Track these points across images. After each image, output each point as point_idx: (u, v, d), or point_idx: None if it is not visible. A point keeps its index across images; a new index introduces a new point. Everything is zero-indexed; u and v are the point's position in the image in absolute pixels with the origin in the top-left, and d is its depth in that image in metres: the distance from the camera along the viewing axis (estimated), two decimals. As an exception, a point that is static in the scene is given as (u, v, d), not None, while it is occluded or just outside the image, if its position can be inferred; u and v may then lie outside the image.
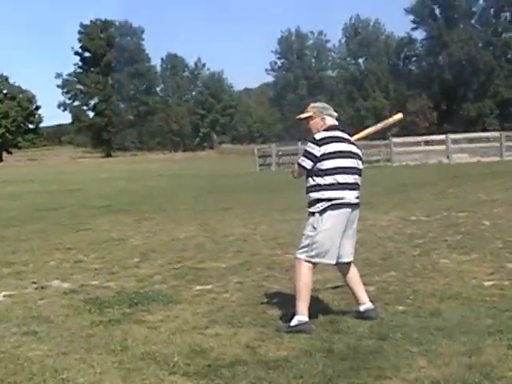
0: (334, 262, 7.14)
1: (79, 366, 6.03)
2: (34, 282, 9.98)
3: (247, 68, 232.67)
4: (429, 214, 15.85)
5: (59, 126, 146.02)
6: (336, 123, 7.38)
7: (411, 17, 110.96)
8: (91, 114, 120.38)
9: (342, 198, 6.99)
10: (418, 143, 50.44)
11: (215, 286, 9.21)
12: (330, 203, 6.95)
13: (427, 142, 50.24)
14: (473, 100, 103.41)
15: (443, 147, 44.01)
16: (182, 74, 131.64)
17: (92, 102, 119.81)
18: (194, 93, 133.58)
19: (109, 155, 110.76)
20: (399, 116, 8.31)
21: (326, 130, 7.24)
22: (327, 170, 7.00)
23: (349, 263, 7.31)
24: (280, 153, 48.72)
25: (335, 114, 7.45)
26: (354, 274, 7.38)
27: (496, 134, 47.33)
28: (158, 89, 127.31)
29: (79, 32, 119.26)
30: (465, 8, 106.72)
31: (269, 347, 6.36)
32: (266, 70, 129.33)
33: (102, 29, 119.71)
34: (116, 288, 9.34)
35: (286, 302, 8.01)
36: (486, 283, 8.67)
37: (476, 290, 8.31)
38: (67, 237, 14.79)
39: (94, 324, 7.40)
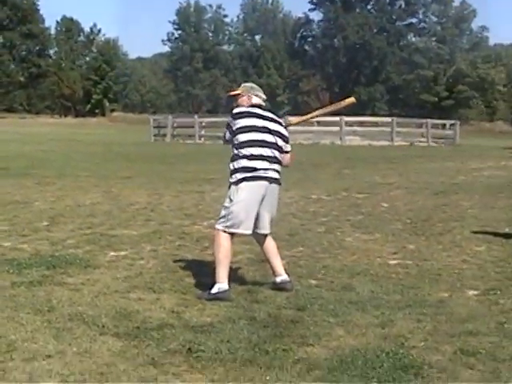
0: (249, 232, 7.46)
1: (8, 324, 6.14)
2: None
3: (141, 37, 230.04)
4: (329, 193, 16.37)
5: None
6: (262, 103, 7.71)
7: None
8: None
9: (255, 169, 7.30)
10: (311, 123, 51.18)
11: (130, 253, 9.39)
12: (245, 174, 7.27)
13: (319, 123, 51.04)
14: (365, 84, 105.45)
15: (336, 128, 44.78)
16: (76, 39, 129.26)
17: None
18: (87, 58, 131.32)
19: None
20: (352, 100, 8.50)
21: (248, 106, 7.58)
22: (241, 142, 7.36)
23: (266, 235, 7.64)
24: (175, 124, 48.75)
25: (263, 96, 7.82)
26: (271, 246, 7.70)
27: (388, 119, 48.57)
28: (51, 51, 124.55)
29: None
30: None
31: (192, 313, 6.63)
32: (163, 41, 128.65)
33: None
34: (30, 250, 9.39)
35: (201, 271, 8.30)
36: (391, 262, 9.17)
37: (382, 267, 8.79)
38: (-31, 198, 14.62)
39: (15, 285, 7.48)
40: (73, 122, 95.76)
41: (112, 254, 9.34)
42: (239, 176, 7.29)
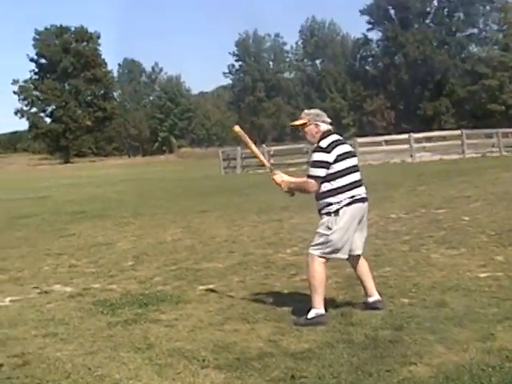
0: (346, 256, 7.48)
1: (110, 363, 6.25)
2: (36, 287, 10.12)
3: (202, 71, 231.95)
4: (407, 211, 16.21)
5: (14, 133, 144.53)
6: (330, 128, 7.61)
7: (366, 18, 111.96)
8: (48, 121, 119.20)
9: (355, 195, 7.30)
10: (379, 143, 50.97)
11: (218, 286, 9.45)
12: (345, 202, 7.24)
13: (387, 142, 50.79)
14: (429, 99, 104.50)
15: (405, 146, 44.43)
16: (139, 79, 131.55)
17: (49, 109, 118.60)
18: (151, 97, 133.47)
19: (67, 161, 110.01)
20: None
21: (324, 136, 7.46)
22: (339, 171, 7.27)
23: (359, 255, 7.62)
24: (243, 155, 48.93)
25: (328, 120, 7.68)
26: (364, 267, 7.74)
27: (457, 132, 47.92)
28: (115, 94, 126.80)
29: (34, 39, 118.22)
30: (419, 8, 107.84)
31: (290, 340, 6.64)
32: (224, 73, 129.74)
33: (57, 35, 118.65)
34: (120, 290, 9.53)
35: (291, 298, 8.34)
36: (481, 275, 9.03)
37: (473, 281, 8.67)
38: (53, 243, 14.88)
39: (111, 325, 7.60)
40: (141, 161, 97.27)
41: (201, 287, 9.42)
42: (337, 206, 7.26)
